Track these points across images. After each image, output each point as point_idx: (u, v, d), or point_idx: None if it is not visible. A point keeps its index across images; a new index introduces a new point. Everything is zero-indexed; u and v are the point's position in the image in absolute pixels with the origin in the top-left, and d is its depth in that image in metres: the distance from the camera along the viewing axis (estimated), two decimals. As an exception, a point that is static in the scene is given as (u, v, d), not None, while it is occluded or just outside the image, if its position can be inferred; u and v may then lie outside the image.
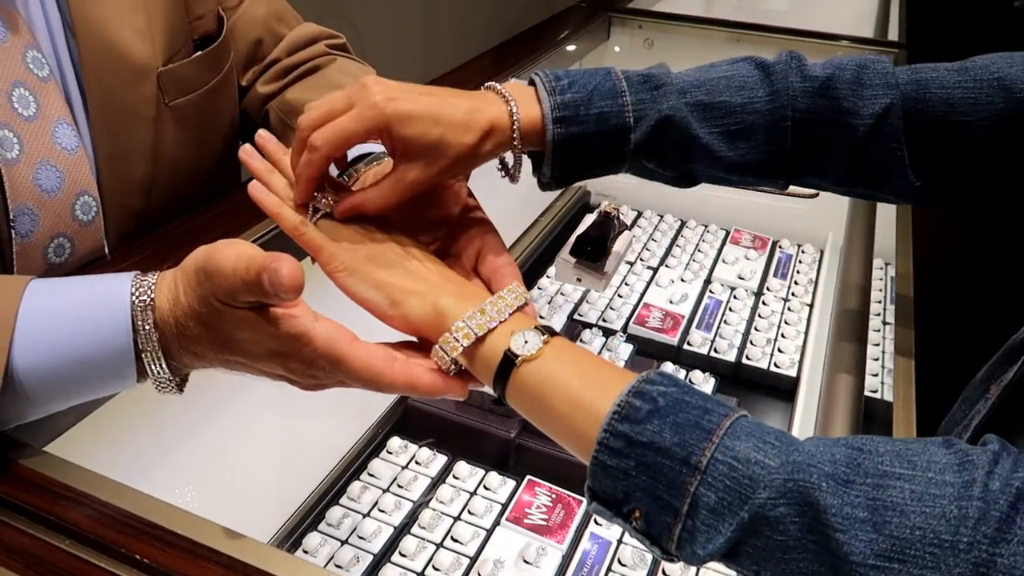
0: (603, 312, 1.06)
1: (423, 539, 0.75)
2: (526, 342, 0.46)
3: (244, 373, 0.48)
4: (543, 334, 0.46)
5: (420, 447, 0.84)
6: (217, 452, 0.75)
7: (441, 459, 0.83)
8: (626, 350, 0.98)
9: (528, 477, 0.80)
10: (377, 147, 0.71)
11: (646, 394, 0.42)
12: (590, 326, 1.03)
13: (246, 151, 0.53)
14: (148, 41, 0.70)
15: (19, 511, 0.47)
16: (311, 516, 0.77)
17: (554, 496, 0.78)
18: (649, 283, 1.14)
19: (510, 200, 1.19)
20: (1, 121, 0.60)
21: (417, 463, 0.83)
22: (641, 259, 1.20)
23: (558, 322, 1.01)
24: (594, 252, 0.69)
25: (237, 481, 0.76)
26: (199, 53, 0.76)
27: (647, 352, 1.01)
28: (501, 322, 0.47)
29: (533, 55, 1.16)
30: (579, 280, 0.69)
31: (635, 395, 0.42)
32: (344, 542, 0.75)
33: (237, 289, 0.44)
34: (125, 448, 0.64)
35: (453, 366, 0.48)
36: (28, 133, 0.62)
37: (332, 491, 0.79)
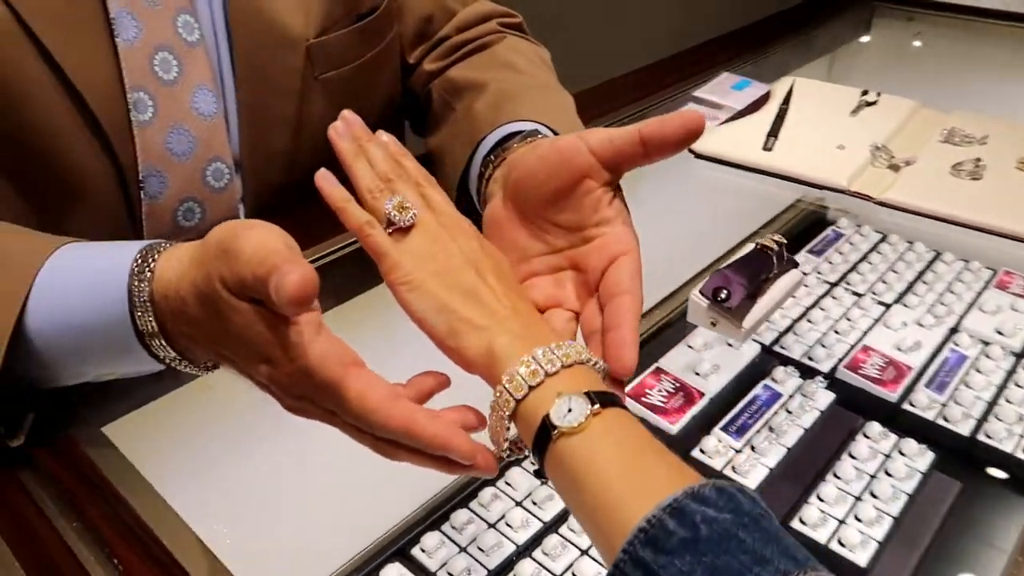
0: (811, 348, 0.92)
1: (542, 565, 0.69)
2: (569, 410, 0.38)
3: (238, 374, 0.45)
4: (592, 403, 0.38)
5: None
6: (313, 452, 0.73)
7: (583, 482, 0.76)
8: (825, 399, 0.84)
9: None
10: (527, 125, 0.65)
11: (687, 514, 0.32)
12: (788, 362, 0.89)
13: (336, 130, 0.49)
14: (302, 12, 0.69)
15: (41, 476, 0.48)
16: (436, 515, 0.74)
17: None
18: (876, 322, 0.97)
19: (724, 209, 1.08)
20: (138, 84, 0.62)
21: (557, 481, 0.77)
22: (873, 293, 1.02)
23: (749, 351, 0.89)
24: (732, 296, 0.57)
25: (338, 479, 0.73)
26: (353, 27, 0.75)
27: (853, 405, 0.85)
28: (548, 375, 0.39)
29: (776, 43, 1.01)
30: (714, 324, 0.58)
31: (672, 512, 0.32)
32: (463, 549, 0.71)
33: (245, 280, 0.40)
34: (189, 440, 0.63)
35: (508, 426, 0.41)
36: (165, 96, 0.64)
37: (463, 494, 0.76)
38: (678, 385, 0.80)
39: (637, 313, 0.46)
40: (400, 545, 0.72)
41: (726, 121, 0.95)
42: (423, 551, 0.71)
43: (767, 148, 0.86)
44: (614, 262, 0.47)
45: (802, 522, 0.70)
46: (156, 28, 0.64)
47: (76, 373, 0.51)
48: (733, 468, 0.74)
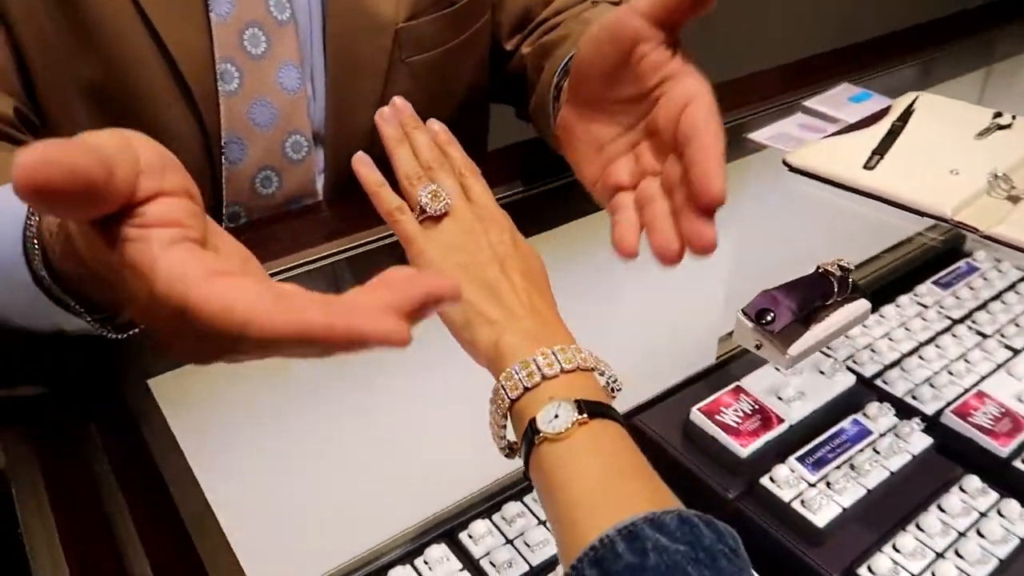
0: (917, 386, 0.85)
1: (585, 572, 0.68)
2: (556, 416, 0.37)
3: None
4: (580, 412, 0.36)
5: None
6: (369, 427, 0.73)
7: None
8: (921, 443, 0.77)
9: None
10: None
11: (640, 539, 0.31)
12: (886, 398, 0.82)
13: (383, 115, 0.50)
14: None
15: (81, 419, 0.50)
16: (488, 504, 0.75)
17: None
18: (999, 367, 0.88)
19: (827, 228, 1.01)
20: (227, 56, 0.66)
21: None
22: (1001, 335, 0.93)
23: (842, 381, 0.83)
24: (777, 319, 0.52)
25: (396, 456, 0.74)
26: (443, 12, 0.75)
27: (953, 454, 0.78)
28: (545, 378, 0.38)
29: (923, 52, 0.93)
30: (758, 347, 0.53)
31: (625, 535, 0.31)
32: (509, 541, 0.71)
33: None
34: (234, 401, 0.62)
35: (504, 424, 0.40)
36: (251, 69, 0.67)
37: (518, 487, 0.76)
38: (757, 407, 0.76)
39: (719, 147, 0.41)
40: (448, 528, 0.73)
41: (832, 135, 0.88)
42: (470, 536, 0.72)
43: (868, 167, 0.78)
44: (684, 110, 0.43)
45: (870, 571, 0.65)
46: (248, 5, 0.68)
47: (11, 326, 0.47)
48: (802, 502, 0.70)
